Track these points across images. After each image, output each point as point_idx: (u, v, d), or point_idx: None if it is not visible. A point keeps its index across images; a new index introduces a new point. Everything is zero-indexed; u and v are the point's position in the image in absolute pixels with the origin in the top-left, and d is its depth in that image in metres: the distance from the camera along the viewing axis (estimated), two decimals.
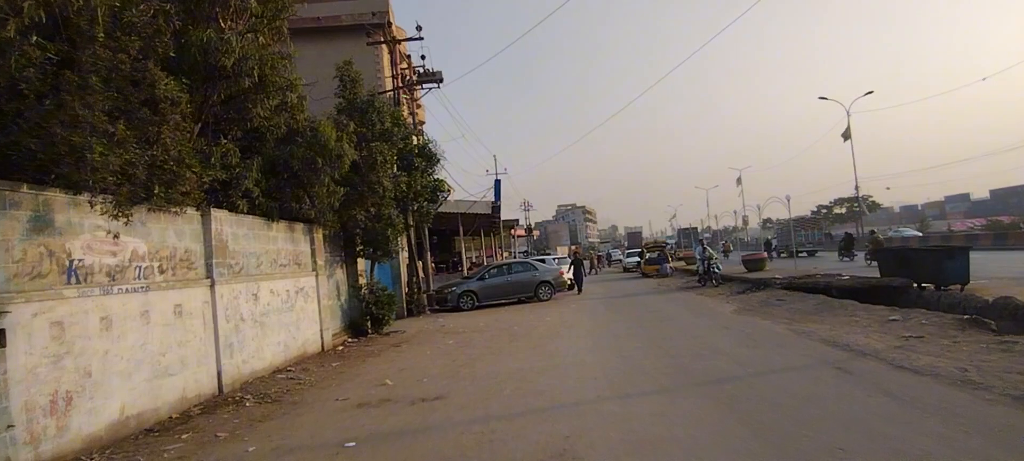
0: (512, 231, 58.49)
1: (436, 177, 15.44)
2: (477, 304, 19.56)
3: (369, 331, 13.78)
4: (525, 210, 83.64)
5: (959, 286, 13.10)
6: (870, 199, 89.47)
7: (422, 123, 43.78)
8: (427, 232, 21.27)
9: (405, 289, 18.83)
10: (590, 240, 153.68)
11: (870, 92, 48.84)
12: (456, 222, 25.44)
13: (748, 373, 7.13)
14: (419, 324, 15.99)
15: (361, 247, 13.55)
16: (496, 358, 9.67)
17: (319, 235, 12.01)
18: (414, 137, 16.40)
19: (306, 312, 11.15)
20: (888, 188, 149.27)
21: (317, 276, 11.75)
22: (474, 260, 43.14)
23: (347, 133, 11.03)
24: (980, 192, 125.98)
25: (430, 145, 15.35)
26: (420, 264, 21.12)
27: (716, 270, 20.29)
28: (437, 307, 20.05)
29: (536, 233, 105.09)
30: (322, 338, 11.70)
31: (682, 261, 35.29)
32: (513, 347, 10.69)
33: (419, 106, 40.43)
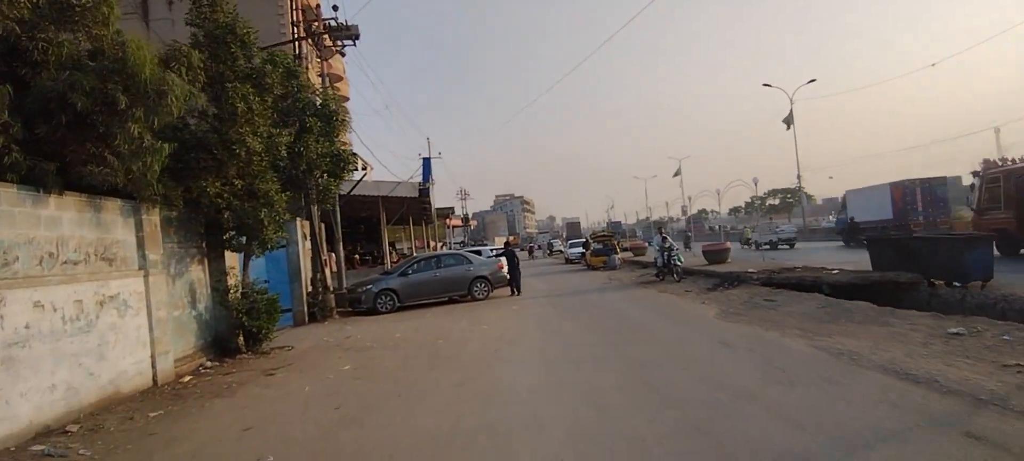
0: (447, 220, 54.95)
1: (340, 146, 11.83)
2: (398, 305, 16.11)
3: (242, 349, 10.14)
4: (462, 199, 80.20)
5: (981, 283, 10.84)
6: (803, 190, 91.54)
7: (346, 99, 39.51)
8: (338, 217, 17.59)
9: (307, 288, 15.13)
10: (528, 230, 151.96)
11: (812, 80, 48.30)
12: (380, 207, 21.78)
13: (830, 452, 4.12)
14: (317, 335, 12.40)
15: (232, 234, 9.85)
16: (402, 404, 6.34)
17: (154, 218, 8.28)
18: (315, 95, 12.71)
19: (123, 332, 7.44)
20: (831, 177, 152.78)
21: (147, 277, 8.03)
22: (404, 252, 39.34)
23: (186, 63, 7.37)
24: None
25: (330, 103, 11.66)
26: (329, 256, 17.41)
27: (677, 262, 17.65)
28: (350, 309, 16.47)
29: (473, 223, 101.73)
30: (154, 368, 8.00)
31: (629, 252, 32.89)
32: (432, 380, 7.38)
33: (341, 79, 36.13)
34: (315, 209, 15.53)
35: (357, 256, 31.08)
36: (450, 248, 47.97)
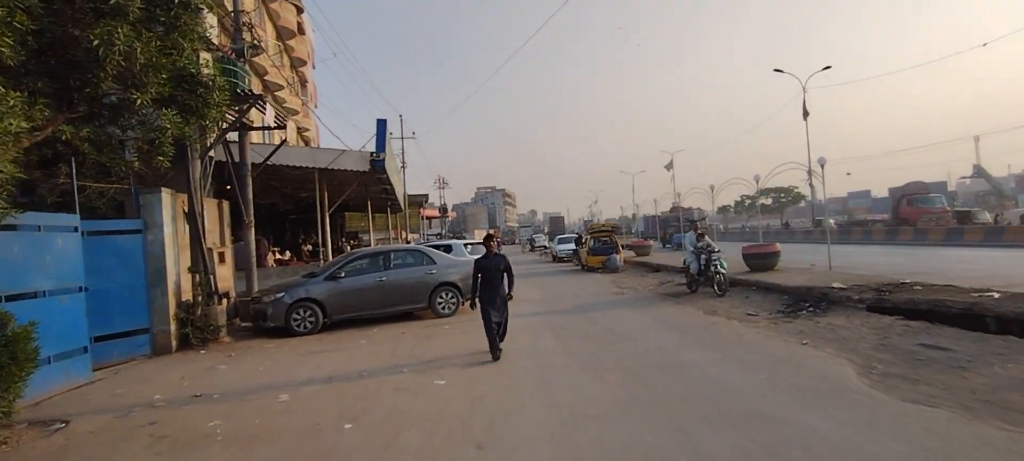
0: (421, 209, 49.53)
1: (193, 56, 6.57)
2: (324, 321, 10.97)
3: None
4: (440, 187, 74.57)
5: None
6: (796, 190, 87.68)
7: (302, 62, 33.85)
8: (248, 191, 12.37)
9: (182, 296, 9.92)
10: (509, 224, 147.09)
11: (827, 67, 43.94)
12: (318, 182, 16.54)
13: None
14: (149, 389, 7.19)
15: None
16: None
17: None
18: None
19: None
20: (849, 174, 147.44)
21: None
22: (368, 245, 33.87)
23: None
24: (879, 190, 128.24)
25: None
26: (228, 248, 12.23)
27: (721, 270, 12.75)
28: (254, 324, 11.29)
29: (452, 214, 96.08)
30: None
31: (631, 251, 27.98)
32: None
33: (294, 35, 30.45)
34: (196, 174, 10.31)
35: (308, 248, 25.72)
36: (425, 242, 42.28)
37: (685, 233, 20.80)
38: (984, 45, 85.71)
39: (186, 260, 10.22)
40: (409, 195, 39.42)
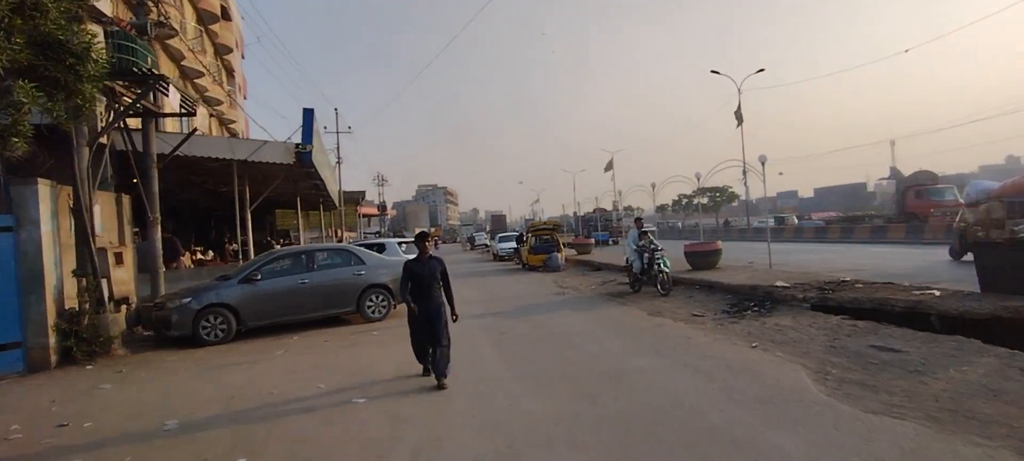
0: (359, 208, 47.74)
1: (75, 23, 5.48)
2: (238, 330, 9.88)
3: None
4: (379, 184, 72.51)
5: None
6: (730, 190, 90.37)
7: (228, 49, 31.77)
8: (153, 183, 11.10)
9: (63, 304, 8.64)
10: (451, 223, 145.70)
11: (761, 70, 45.18)
12: (263, 180, 15.22)
13: None
14: (4, 420, 6.04)
15: None
16: None
17: None
18: None
19: None
20: (781, 173, 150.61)
21: None
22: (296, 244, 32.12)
23: None
24: (805, 190, 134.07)
25: None
26: (129, 248, 10.93)
27: (664, 269, 12.41)
28: (157, 334, 10.06)
29: (392, 212, 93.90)
30: None
31: (573, 249, 27.66)
32: None
33: (218, 19, 28.50)
34: (83, 163, 9.04)
35: (233, 247, 23.96)
36: (363, 240, 40.47)
37: (628, 231, 20.59)
38: (906, 51, 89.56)
39: (71, 262, 8.94)
40: (345, 192, 37.79)
